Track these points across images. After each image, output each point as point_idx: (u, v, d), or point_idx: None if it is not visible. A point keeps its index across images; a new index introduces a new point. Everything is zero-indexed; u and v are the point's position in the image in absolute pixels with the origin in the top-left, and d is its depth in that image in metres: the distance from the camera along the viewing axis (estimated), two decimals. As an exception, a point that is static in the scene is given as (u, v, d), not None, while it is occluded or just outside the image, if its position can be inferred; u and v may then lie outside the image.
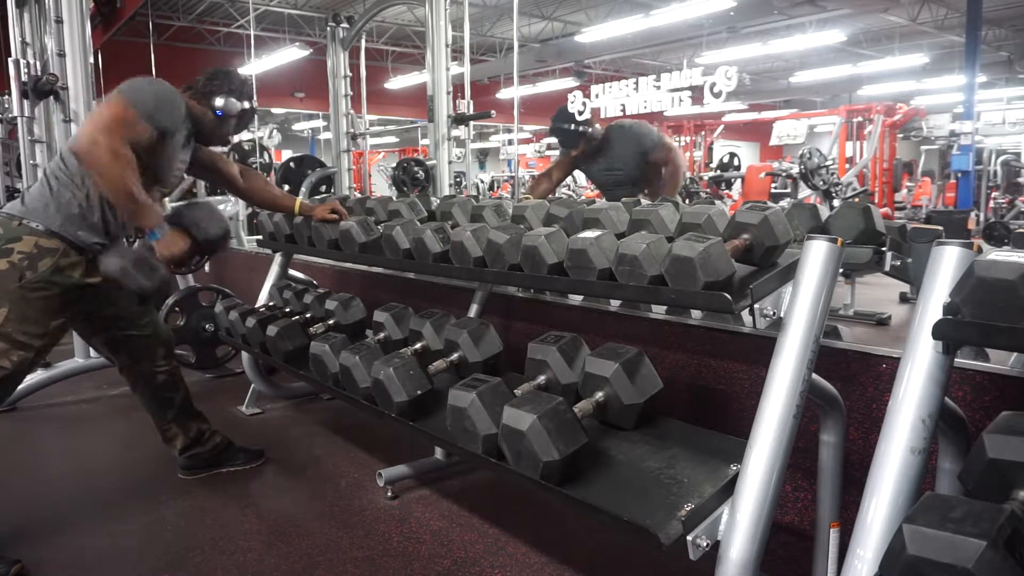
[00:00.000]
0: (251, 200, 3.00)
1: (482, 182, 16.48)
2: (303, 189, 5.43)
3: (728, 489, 1.41)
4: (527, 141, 17.55)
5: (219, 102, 2.38)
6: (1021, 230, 8.32)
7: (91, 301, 2.28)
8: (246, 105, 2.47)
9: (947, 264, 1.24)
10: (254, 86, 2.60)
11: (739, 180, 12.08)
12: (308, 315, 2.90)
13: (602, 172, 3.61)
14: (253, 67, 8.30)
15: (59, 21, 3.44)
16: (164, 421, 2.61)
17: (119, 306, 2.40)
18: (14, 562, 2.02)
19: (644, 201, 2.46)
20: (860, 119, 11.37)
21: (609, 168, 3.55)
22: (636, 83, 2.65)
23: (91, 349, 3.63)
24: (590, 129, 3.39)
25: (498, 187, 17.57)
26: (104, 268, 2.17)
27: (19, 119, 3.60)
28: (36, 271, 2.08)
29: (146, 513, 2.39)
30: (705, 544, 1.35)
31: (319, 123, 18.02)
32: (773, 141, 12.00)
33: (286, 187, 5.88)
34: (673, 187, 3.50)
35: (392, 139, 21.76)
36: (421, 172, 7.03)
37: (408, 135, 20.20)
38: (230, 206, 6.49)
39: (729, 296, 1.42)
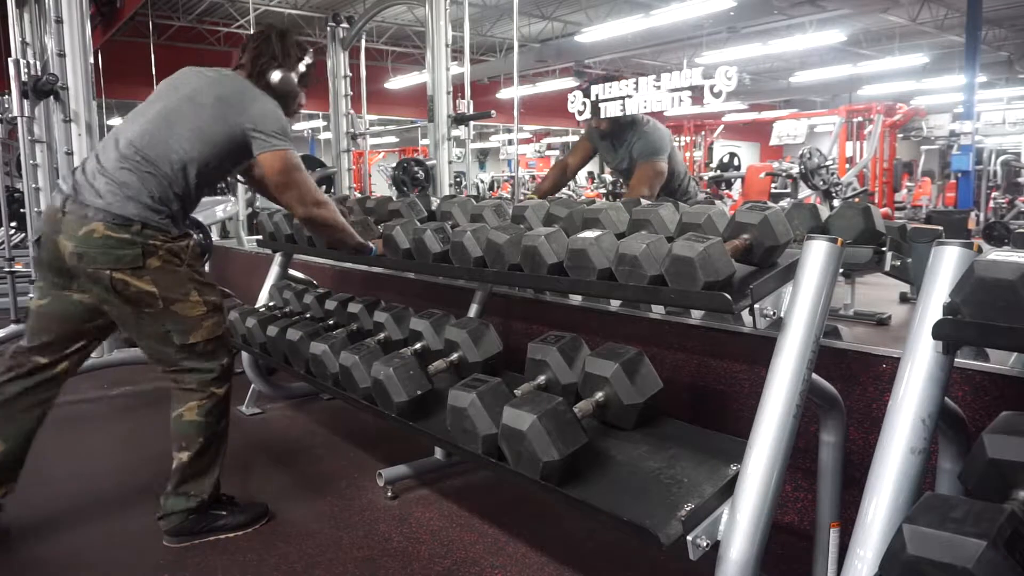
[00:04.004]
0: (261, 189, 2.95)
1: (482, 182, 16.50)
2: (303, 189, 5.41)
3: (728, 489, 1.41)
4: (527, 141, 17.57)
5: (274, 78, 2.25)
6: (1021, 230, 8.34)
7: None
8: (302, 68, 2.30)
9: (947, 264, 1.24)
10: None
11: (739, 180, 12.09)
12: (308, 315, 2.90)
13: (613, 158, 3.47)
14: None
15: (59, 21, 3.44)
16: None
17: None
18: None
19: (644, 201, 2.46)
20: (860, 119, 11.38)
21: (618, 158, 3.43)
22: (636, 83, 2.65)
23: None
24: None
25: (498, 187, 17.59)
26: None
27: (19, 119, 3.60)
28: (181, 255, 2.13)
29: (146, 513, 2.38)
30: (705, 544, 1.35)
31: (319, 123, 18.01)
32: (773, 141, 11.99)
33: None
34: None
35: (392, 139, 21.77)
36: (421, 172, 7.03)
37: (408, 135, 20.20)
38: (230, 205, 6.50)
39: (729, 296, 1.42)
